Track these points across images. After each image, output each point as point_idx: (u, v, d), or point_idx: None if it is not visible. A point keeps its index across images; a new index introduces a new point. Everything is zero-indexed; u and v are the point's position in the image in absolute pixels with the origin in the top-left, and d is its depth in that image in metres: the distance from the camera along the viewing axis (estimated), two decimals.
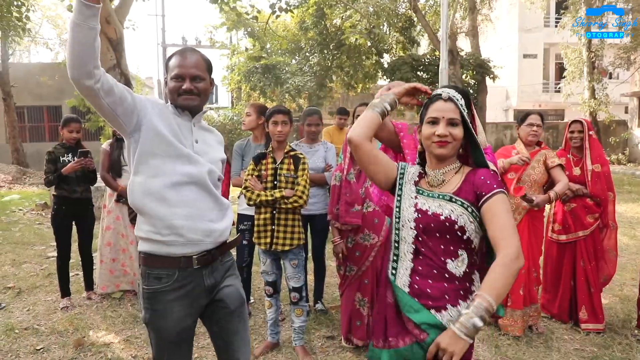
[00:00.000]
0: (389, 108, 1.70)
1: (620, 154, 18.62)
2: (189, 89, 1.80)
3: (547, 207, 3.74)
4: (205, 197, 1.83)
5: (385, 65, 17.83)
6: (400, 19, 17.12)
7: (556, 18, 23.03)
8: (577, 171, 3.65)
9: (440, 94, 1.62)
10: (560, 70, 22.84)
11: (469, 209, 1.55)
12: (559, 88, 23.22)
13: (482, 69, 16.35)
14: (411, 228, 1.60)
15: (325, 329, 3.65)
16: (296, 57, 19.40)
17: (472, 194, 1.56)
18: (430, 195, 1.62)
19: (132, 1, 8.85)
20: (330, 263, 4.58)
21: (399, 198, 1.66)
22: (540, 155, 3.54)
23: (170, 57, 1.88)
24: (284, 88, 17.22)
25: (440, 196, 1.60)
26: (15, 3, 10.97)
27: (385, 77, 17.90)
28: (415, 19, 16.72)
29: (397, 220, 1.64)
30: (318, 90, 17.68)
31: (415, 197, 1.63)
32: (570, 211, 3.65)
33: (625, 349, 3.28)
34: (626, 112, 21.80)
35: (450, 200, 1.58)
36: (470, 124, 1.61)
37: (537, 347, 3.33)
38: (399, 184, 1.68)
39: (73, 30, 1.49)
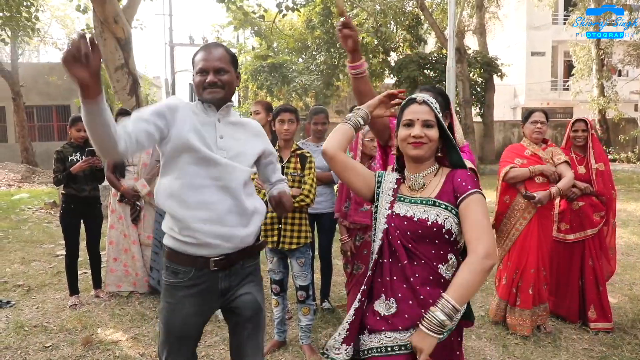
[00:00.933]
0: (361, 122, 1.79)
1: (630, 152, 18.44)
2: (213, 82, 1.80)
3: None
4: (226, 200, 1.79)
5: (392, 64, 17.78)
6: (407, 17, 17.06)
7: (565, 15, 22.84)
8: (581, 170, 3.63)
9: (415, 98, 1.66)
10: (569, 68, 22.66)
11: (453, 212, 1.58)
12: (568, 86, 23.04)
13: (489, 67, 16.26)
14: (379, 239, 1.64)
15: (332, 327, 3.65)
16: (303, 56, 19.41)
17: (451, 195, 1.60)
18: (413, 201, 1.63)
19: (140, 1, 8.88)
20: (337, 262, 4.58)
21: (375, 209, 1.70)
22: (547, 152, 3.54)
23: (195, 54, 1.90)
24: (291, 87, 17.25)
25: (424, 201, 1.61)
26: (24, 3, 11.05)
27: (392, 75, 17.83)
28: (422, 17, 16.65)
29: (374, 232, 1.70)
30: (325, 89, 17.68)
31: (390, 208, 1.65)
32: (579, 210, 3.62)
33: (634, 349, 3.25)
34: (636, 109, 21.59)
35: (434, 204, 1.59)
36: (445, 126, 1.64)
37: (545, 347, 3.31)
38: (376, 193, 1.71)
39: (85, 125, 1.50)
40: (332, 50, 17.70)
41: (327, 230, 3.95)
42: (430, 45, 20.63)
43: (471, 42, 18.30)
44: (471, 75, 15.87)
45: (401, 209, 1.63)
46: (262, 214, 1.95)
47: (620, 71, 20.98)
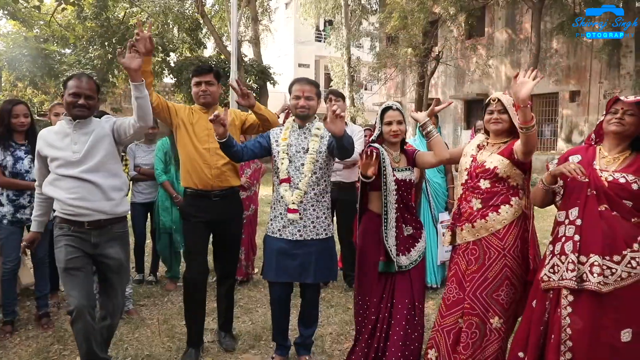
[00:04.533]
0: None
1: None
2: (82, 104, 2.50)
3: None
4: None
5: (172, 64, 18.01)
6: (187, 20, 17.53)
7: (324, 34, 26.51)
8: None
9: (391, 106, 2.83)
10: (328, 80, 26.39)
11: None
12: None
13: (263, 75, 17.99)
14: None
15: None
16: (72, 47, 17.92)
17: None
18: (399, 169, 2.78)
19: None
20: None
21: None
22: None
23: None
24: (59, 81, 15.83)
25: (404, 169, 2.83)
26: None
27: (171, 75, 18.07)
28: (202, 22, 17.37)
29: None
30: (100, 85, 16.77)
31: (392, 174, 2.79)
32: None
33: None
34: None
35: (408, 169, 2.86)
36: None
37: None
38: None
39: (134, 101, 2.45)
40: (107, 44, 16.89)
41: None
42: (210, 49, 21.47)
43: (247, 51, 19.81)
44: (247, 81, 17.30)
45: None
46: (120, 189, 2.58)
47: (366, 86, 25.48)
